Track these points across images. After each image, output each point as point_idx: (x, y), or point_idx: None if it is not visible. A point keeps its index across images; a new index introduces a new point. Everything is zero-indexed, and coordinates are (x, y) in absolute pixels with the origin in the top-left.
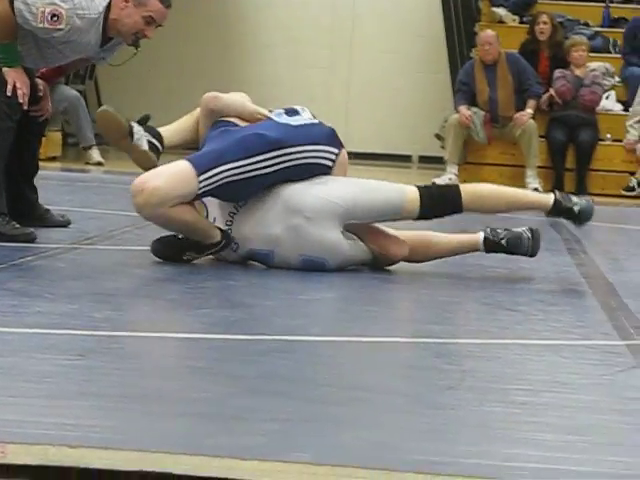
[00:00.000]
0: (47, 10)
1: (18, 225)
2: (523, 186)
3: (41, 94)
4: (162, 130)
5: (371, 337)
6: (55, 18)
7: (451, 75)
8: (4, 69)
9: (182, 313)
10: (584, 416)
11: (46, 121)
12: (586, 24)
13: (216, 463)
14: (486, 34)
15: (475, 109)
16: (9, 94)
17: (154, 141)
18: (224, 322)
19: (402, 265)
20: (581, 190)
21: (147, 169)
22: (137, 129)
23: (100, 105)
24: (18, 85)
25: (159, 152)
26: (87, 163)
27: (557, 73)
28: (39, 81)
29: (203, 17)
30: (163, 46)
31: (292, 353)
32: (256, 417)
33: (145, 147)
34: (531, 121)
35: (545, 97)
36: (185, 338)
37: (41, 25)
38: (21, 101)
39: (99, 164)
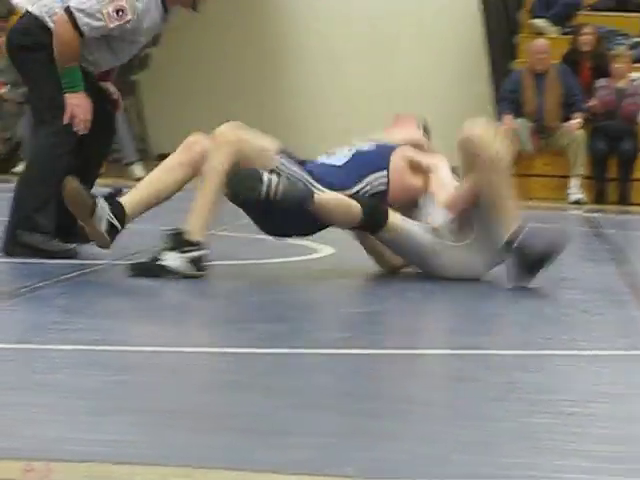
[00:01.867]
0: (110, 9)
1: (60, 242)
2: (565, 197)
3: (115, 96)
4: (128, 202)
5: (416, 349)
6: (120, 13)
7: (493, 87)
8: (67, 95)
9: (225, 328)
10: (631, 427)
11: (110, 144)
12: (625, 35)
13: (260, 478)
14: (540, 43)
15: (521, 120)
16: (66, 122)
17: (114, 222)
18: (267, 336)
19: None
20: (624, 199)
21: (101, 247)
22: (101, 207)
23: (141, 122)
24: (76, 113)
25: (117, 232)
26: (129, 179)
27: (600, 83)
28: (108, 84)
29: (241, 31)
30: (202, 62)
31: (336, 366)
32: (300, 431)
33: (102, 229)
34: (580, 131)
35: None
36: (228, 353)
37: (112, 25)
38: (77, 130)
39: (141, 180)
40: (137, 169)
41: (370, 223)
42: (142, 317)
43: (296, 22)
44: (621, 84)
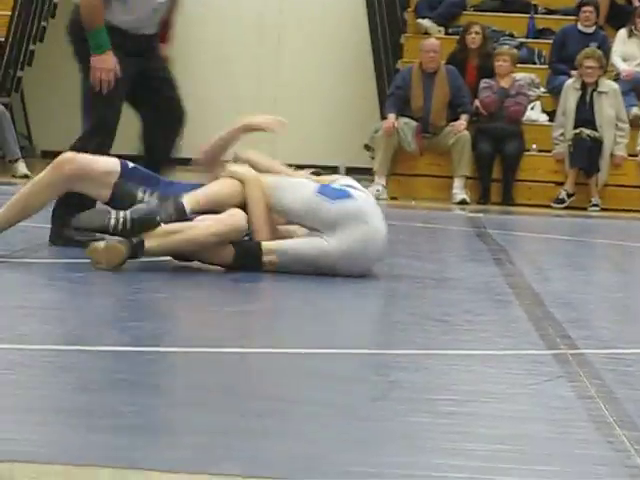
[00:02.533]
0: None
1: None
2: (449, 197)
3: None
4: None
5: (298, 349)
6: None
7: (377, 86)
8: (92, 58)
9: (110, 326)
10: (511, 426)
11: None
12: (511, 35)
13: (140, 476)
14: (431, 42)
15: (407, 119)
16: (97, 89)
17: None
18: (152, 334)
19: (326, 274)
20: (507, 200)
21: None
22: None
23: (26, 117)
24: (99, 75)
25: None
26: (13, 176)
27: (483, 84)
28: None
29: None
30: None
31: (220, 365)
32: (183, 430)
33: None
34: (465, 131)
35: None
36: (112, 351)
37: None
38: (98, 89)
39: (25, 177)
40: (21, 166)
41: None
42: (27, 315)
43: (185, 26)
44: (504, 83)
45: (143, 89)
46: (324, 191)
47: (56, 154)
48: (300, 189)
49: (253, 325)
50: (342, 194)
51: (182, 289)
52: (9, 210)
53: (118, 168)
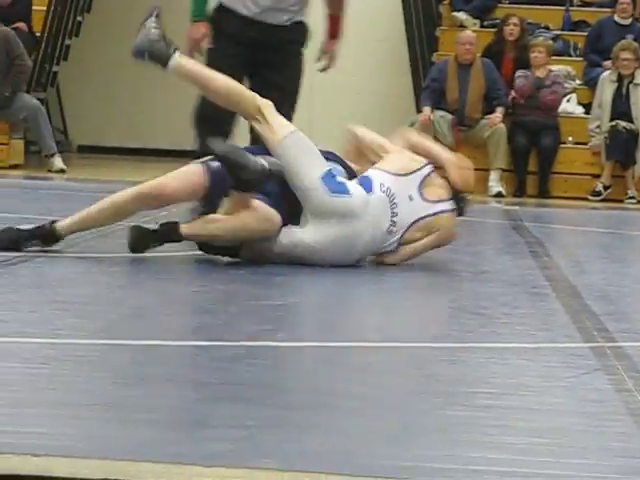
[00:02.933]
0: None
1: None
2: (485, 190)
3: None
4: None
5: (336, 342)
6: None
7: (413, 79)
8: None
9: (145, 320)
10: (548, 419)
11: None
12: (547, 27)
13: (179, 470)
14: (467, 34)
15: (442, 112)
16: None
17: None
18: (188, 328)
19: (362, 269)
20: (543, 192)
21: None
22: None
23: (62, 112)
24: (187, 46)
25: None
26: (49, 171)
27: (518, 73)
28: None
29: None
30: (125, 54)
31: (257, 359)
32: (220, 424)
33: None
34: (501, 124)
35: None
36: (148, 345)
37: None
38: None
39: (61, 171)
40: (57, 161)
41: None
42: (62, 309)
43: None
44: (540, 74)
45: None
46: (327, 181)
47: (92, 148)
48: (312, 167)
49: (289, 318)
50: (342, 189)
51: (216, 282)
52: (99, 212)
53: (205, 182)
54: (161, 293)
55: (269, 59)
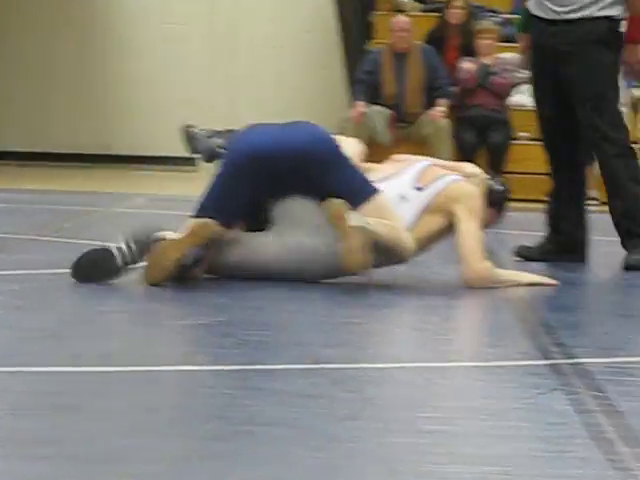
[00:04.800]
0: None
1: None
2: None
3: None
4: None
5: (261, 365)
6: None
7: (346, 71)
8: None
9: (46, 344)
10: (500, 445)
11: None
12: (494, 11)
13: None
14: (400, 20)
15: (378, 108)
16: None
17: None
18: (93, 353)
19: (294, 282)
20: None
21: None
22: None
23: None
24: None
25: None
26: None
27: (462, 60)
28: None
29: (59, 11)
30: (7, 43)
31: (175, 384)
32: (133, 458)
33: None
34: (444, 119)
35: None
36: (48, 372)
37: None
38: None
39: None
40: None
41: None
42: None
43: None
44: (487, 61)
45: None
46: None
47: None
48: None
49: (209, 339)
50: None
51: (131, 300)
52: None
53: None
54: (63, 313)
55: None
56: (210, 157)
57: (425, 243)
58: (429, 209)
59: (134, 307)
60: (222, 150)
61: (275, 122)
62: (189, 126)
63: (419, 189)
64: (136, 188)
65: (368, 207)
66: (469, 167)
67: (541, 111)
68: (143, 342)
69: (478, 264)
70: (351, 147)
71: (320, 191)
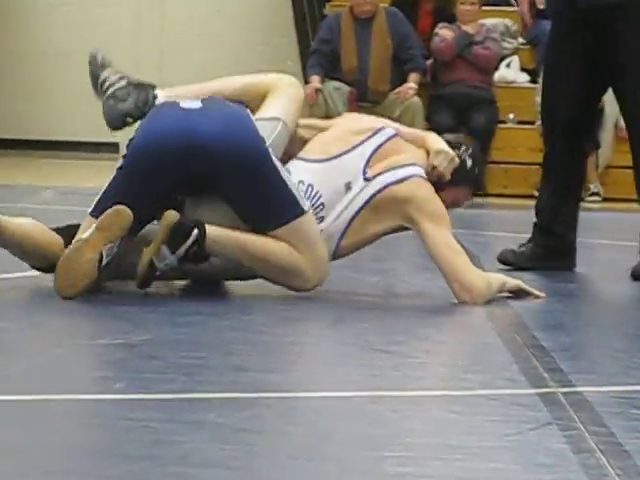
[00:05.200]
0: None
1: None
2: None
3: None
4: None
5: (193, 393)
6: None
7: (298, 39)
8: None
9: None
10: None
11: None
12: None
13: None
14: None
15: (337, 84)
16: None
17: None
18: None
19: (231, 294)
20: (477, 188)
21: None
22: None
23: None
24: None
25: None
26: None
27: (439, 27)
28: None
29: None
30: None
31: (79, 417)
32: None
33: None
34: (415, 98)
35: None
36: None
37: None
38: None
39: None
40: None
41: None
42: None
43: None
44: (469, 29)
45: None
46: None
47: None
48: None
49: (131, 362)
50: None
51: (44, 314)
52: None
53: None
54: None
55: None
56: (115, 123)
57: (358, 246)
58: (371, 206)
59: (38, 322)
60: (130, 120)
61: (190, 101)
62: (95, 58)
63: (367, 179)
64: (46, 179)
65: (283, 231)
66: (434, 141)
67: (551, 84)
68: (49, 365)
69: (470, 278)
70: (286, 96)
71: (232, 201)
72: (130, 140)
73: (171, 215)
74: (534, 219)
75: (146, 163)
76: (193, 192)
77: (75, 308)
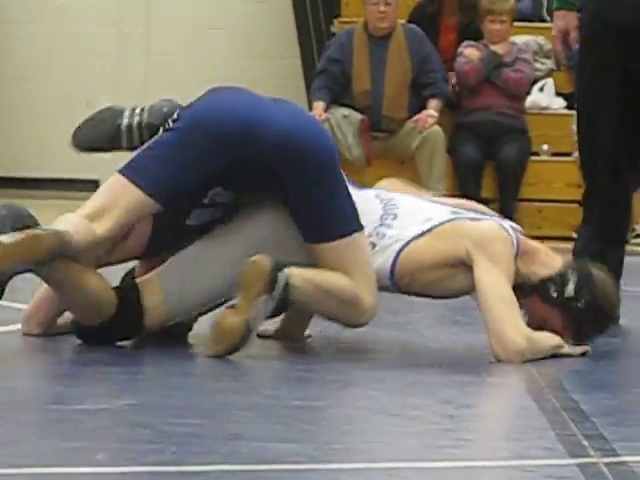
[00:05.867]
0: None
1: None
2: None
3: None
4: None
5: (185, 466)
6: None
7: (302, 59)
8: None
9: None
10: None
11: None
12: None
13: None
14: None
15: (346, 110)
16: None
17: None
18: None
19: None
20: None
21: None
22: None
23: None
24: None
25: None
26: None
27: (463, 46)
28: None
29: None
30: None
31: None
32: None
33: None
34: (436, 127)
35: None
36: None
37: None
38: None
39: None
40: None
41: None
42: None
43: None
44: (498, 49)
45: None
46: None
47: None
48: None
49: (98, 432)
50: None
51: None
52: None
53: None
54: None
55: None
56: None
57: (413, 274)
58: (432, 232)
59: (5, 385)
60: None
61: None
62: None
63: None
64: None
65: (337, 244)
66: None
67: (592, 114)
68: (21, 434)
69: (509, 332)
70: None
71: (290, 202)
72: (181, 109)
73: (264, 260)
74: None
75: (210, 129)
76: (240, 188)
77: (51, 369)
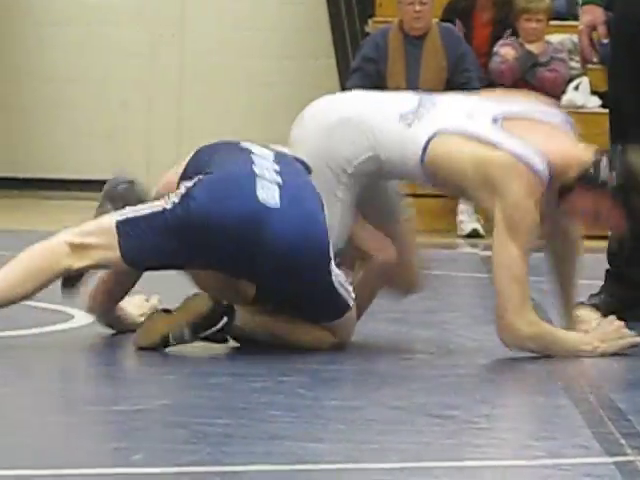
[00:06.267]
0: None
1: None
2: (454, 224)
3: None
4: None
5: (221, 466)
6: None
7: (337, 58)
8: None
9: None
10: None
11: None
12: None
13: None
14: None
15: None
16: None
17: None
18: None
19: (265, 354)
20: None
21: None
22: None
23: None
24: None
25: None
26: None
27: (499, 45)
28: None
29: None
30: None
31: None
32: None
33: None
34: None
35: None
36: None
37: None
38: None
39: None
40: None
41: None
42: None
43: None
44: (533, 49)
45: None
46: None
47: None
48: None
49: (133, 433)
50: None
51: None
52: None
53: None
54: None
55: None
56: None
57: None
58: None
59: (43, 386)
60: None
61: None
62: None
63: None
64: (47, 223)
65: (325, 326)
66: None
67: (626, 115)
68: (58, 436)
69: (515, 315)
70: None
71: (273, 295)
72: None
73: (203, 301)
74: (606, 265)
75: (201, 233)
76: (231, 273)
77: (86, 370)
